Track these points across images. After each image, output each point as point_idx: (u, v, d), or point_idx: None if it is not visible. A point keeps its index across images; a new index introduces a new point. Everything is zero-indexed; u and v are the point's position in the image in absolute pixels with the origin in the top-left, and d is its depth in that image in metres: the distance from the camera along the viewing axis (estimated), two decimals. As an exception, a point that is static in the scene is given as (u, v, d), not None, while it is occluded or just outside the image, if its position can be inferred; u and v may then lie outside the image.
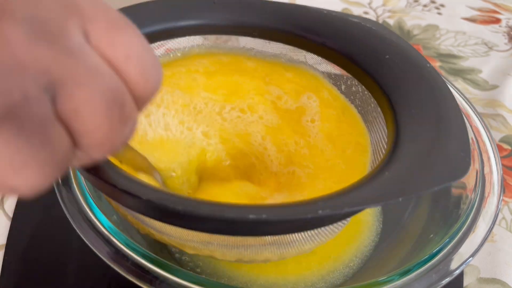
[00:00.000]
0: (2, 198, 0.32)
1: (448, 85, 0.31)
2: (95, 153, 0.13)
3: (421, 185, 0.19)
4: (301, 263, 0.29)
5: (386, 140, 0.23)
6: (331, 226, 0.23)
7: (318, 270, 0.29)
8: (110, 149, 0.13)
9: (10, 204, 0.32)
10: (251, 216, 0.17)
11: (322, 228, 0.22)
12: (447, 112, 0.22)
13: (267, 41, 0.29)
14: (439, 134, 0.21)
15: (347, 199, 0.18)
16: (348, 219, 0.23)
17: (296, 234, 0.22)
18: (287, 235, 0.22)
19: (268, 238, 0.22)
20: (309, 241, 0.23)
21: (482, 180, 0.26)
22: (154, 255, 0.22)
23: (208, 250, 0.23)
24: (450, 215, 0.26)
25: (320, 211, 0.17)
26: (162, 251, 0.29)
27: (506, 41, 0.51)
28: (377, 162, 0.24)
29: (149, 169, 0.23)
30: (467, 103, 0.30)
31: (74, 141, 0.13)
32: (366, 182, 0.19)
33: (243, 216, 0.17)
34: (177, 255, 0.29)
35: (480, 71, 0.46)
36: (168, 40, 0.28)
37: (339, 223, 0.23)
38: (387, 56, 0.25)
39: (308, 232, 0.22)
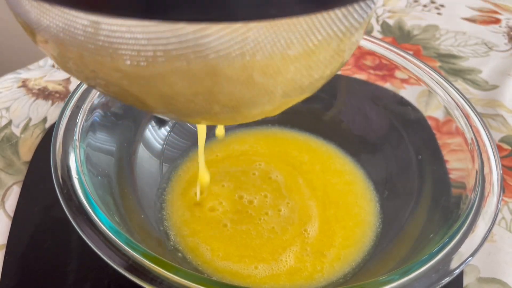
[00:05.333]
0: (3, 198, 0.32)
1: (448, 85, 0.32)
2: None
3: None
4: (316, 266, 0.29)
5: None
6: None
7: (328, 272, 0.29)
8: None
9: (10, 204, 0.32)
10: None
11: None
12: None
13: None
14: None
15: None
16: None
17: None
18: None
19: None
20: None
21: (481, 180, 0.26)
22: (155, 254, 0.22)
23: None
24: (449, 215, 0.26)
25: None
26: (164, 250, 0.29)
27: (506, 41, 0.51)
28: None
29: None
30: (467, 103, 0.30)
31: None
32: None
33: None
34: (179, 254, 0.29)
35: (480, 71, 0.46)
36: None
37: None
38: None
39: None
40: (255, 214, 0.32)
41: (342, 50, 0.18)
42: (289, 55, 0.16)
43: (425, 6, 0.56)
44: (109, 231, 0.23)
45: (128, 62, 0.16)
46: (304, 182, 0.34)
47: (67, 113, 0.28)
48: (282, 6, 0.13)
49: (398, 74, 0.34)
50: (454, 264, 0.23)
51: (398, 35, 0.51)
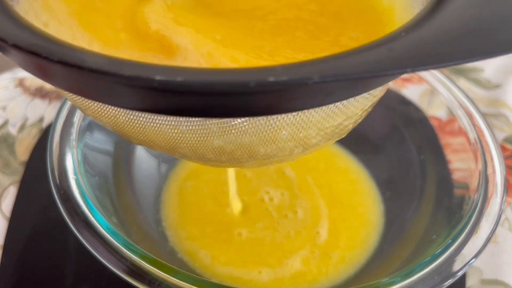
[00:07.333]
0: None
1: (451, 84, 0.31)
2: None
3: (469, 51, 0.12)
4: (321, 269, 0.29)
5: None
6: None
7: (332, 274, 0.29)
8: None
9: (7, 204, 0.32)
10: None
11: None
12: None
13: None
14: None
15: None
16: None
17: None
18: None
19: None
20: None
21: (485, 180, 0.26)
22: (153, 256, 0.22)
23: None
24: (452, 216, 0.26)
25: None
26: (162, 252, 0.29)
27: (509, 40, 0.50)
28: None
29: None
30: (469, 103, 0.30)
31: None
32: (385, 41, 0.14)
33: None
34: (178, 255, 0.29)
35: (483, 70, 0.46)
36: None
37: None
38: None
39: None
40: (277, 215, 0.31)
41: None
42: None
43: (426, 4, 0.56)
44: (107, 232, 0.23)
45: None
46: (312, 180, 0.34)
47: (64, 112, 0.28)
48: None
49: (400, 73, 0.34)
50: (457, 265, 0.23)
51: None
